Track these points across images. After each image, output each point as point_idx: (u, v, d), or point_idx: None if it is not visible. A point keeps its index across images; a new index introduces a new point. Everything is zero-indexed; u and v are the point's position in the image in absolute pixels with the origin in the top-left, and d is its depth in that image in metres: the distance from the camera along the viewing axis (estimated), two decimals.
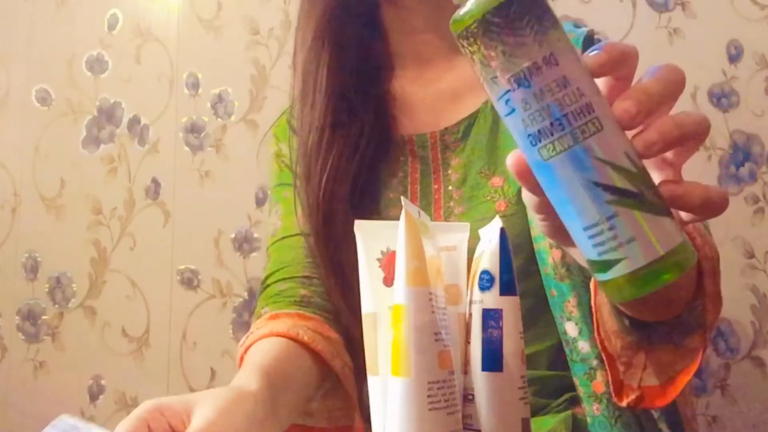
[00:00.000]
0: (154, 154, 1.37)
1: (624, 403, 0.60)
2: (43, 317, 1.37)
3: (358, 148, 0.78)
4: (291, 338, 0.69)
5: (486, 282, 0.51)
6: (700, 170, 1.18)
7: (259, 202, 1.31)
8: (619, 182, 0.38)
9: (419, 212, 0.50)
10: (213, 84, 1.35)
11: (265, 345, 0.69)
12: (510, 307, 0.51)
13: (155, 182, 1.36)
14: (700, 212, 0.41)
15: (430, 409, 0.45)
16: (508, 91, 0.39)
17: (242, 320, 1.29)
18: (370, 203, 0.78)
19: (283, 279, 0.79)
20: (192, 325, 1.31)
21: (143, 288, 1.34)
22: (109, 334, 1.34)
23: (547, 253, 0.70)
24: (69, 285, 1.37)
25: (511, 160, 0.42)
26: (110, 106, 1.39)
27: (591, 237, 0.39)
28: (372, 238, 0.53)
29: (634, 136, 0.39)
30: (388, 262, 0.52)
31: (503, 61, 0.39)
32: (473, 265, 0.53)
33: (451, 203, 0.77)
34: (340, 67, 0.80)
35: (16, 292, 1.39)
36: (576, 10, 1.24)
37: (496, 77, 0.39)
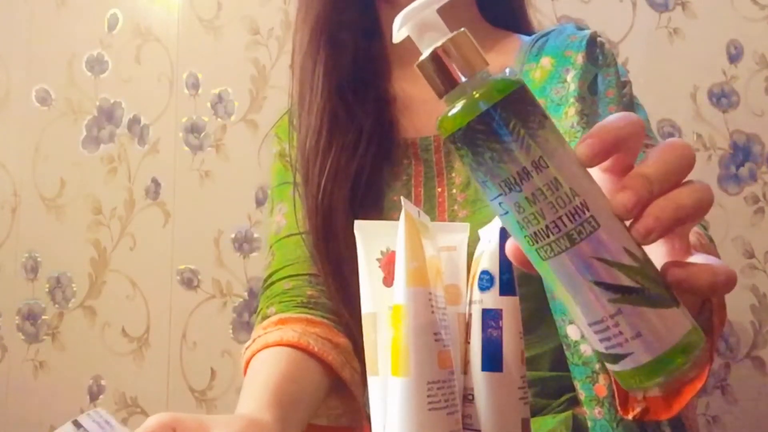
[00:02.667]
0: (154, 154, 1.37)
1: (630, 416, 0.60)
2: (43, 317, 1.37)
3: (357, 150, 0.78)
4: (301, 348, 0.69)
5: (486, 282, 0.51)
6: (700, 170, 1.18)
7: (259, 202, 1.31)
8: (621, 279, 0.37)
9: (419, 212, 0.50)
10: (213, 84, 1.35)
11: (274, 357, 0.68)
12: (510, 307, 0.51)
13: (155, 182, 1.36)
14: (707, 294, 0.39)
15: (429, 409, 0.45)
16: (500, 194, 0.38)
17: (242, 320, 1.29)
18: (373, 205, 0.78)
19: (289, 276, 0.79)
20: (192, 325, 1.31)
21: (143, 288, 1.34)
22: (109, 334, 1.34)
23: None
24: (69, 285, 1.37)
25: (508, 250, 0.42)
26: (110, 106, 1.39)
27: (596, 332, 0.38)
28: (372, 238, 0.53)
29: (631, 223, 0.38)
30: (387, 262, 0.52)
31: (492, 167, 0.38)
32: (473, 265, 0.53)
33: (455, 206, 0.77)
34: (337, 70, 0.80)
35: (16, 292, 1.39)
36: (576, 10, 1.24)
37: (486, 181, 0.39)
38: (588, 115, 0.72)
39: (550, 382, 0.74)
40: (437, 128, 0.40)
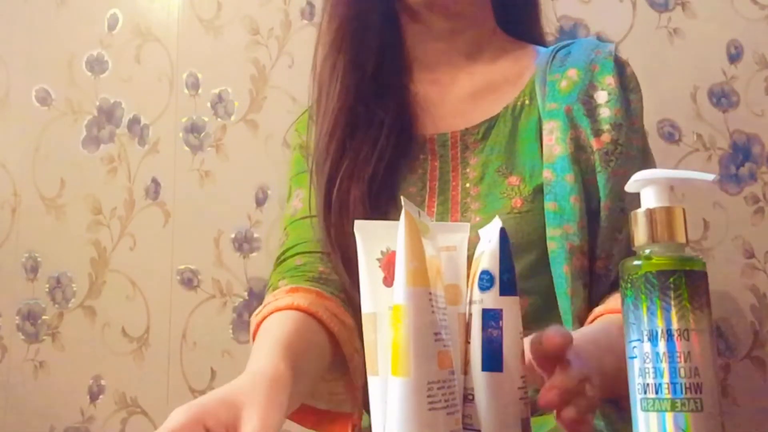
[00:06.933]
0: (154, 154, 1.37)
1: None
2: (43, 317, 1.37)
3: (377, 146, 0.81)
4: (310, 314, 0.70)
5: (486, 282, 0.51)
6: (701, 170, 1.18)
7: (259, 202, 1.31)
8: None
9: (419, 212, 0.50)
10: (213, 84, 1.35)
11: (284, 318, 0.69)
12: (510, 307, 0.51)
13: (155, 182, 1.36)
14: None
15: (429, 409, 0.45)
16: (638, 339, 0.45)
17: (242, 320, 1.29)
18: (388, 198, 0.80)
19: (302, 253, 0.81)
20: (192, 325, 1.31)
21: (143, 288, 1.34)
22: (109, 334, 1.34)
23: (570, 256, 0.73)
24: (69, 285, 1.37)
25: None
26: (110, 106, 1.39)
27: None
28: (372, 238, 0.53)
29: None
30: (388, 262, 0.52)
31: (644, 315, 0.44)
32: (473, 265, 0.53)
33: (468, 199, 0.79)
34: (356, 73, 0.83)
35: (16, 292, 1.39)
36: (576, 10, 1.24)
37: (634, 323, 0.45)
38: (622, 145, 0.76)
39: None
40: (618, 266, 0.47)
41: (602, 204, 0.74)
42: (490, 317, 0.51)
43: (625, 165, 0.75)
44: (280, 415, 0.52)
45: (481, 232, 0.55)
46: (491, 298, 0.51)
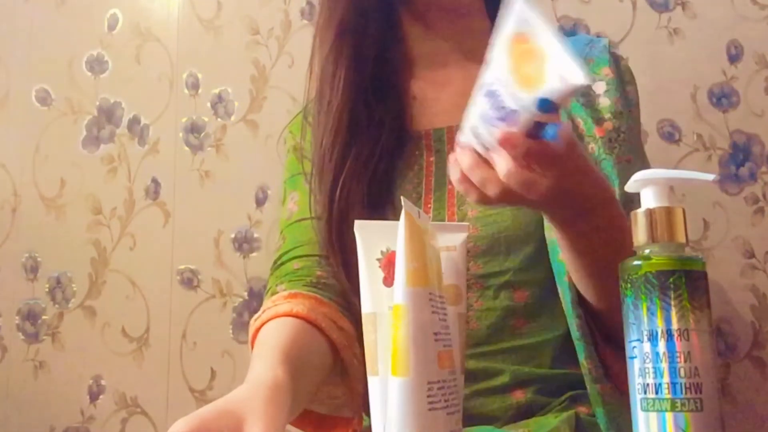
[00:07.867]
0: (154, 154, 1.37)
1: None
2: (43, 317, 1.37)
3: (377, 146, 0.81)
4: (309, 321, 0.70)
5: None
6: (700, 170, 1.18)
7: (259, 202, 1.31)
8: None
9: (419, 213, 0.50)
10: (213, 84, 1.35)
11: (283, 325, 0.69)
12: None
13: (155, 182, 1.36)
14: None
15: (429, 409, 0.45)
16: (638, 339, 0.45)
17: (242, 320, 1.29)
18: (385, 195, 0.80)
19: (299, 257, 0.81)
20: (192, 325, 1.31)
21: (143, 288, 1.34)
22: (109, 334, 1.34)
23: None
24: (69, 285, 1.37)
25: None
26: (110, 106, 1.39)
27: None
28: (372, 238, 0.53)
29: None
30: (387, 262, 0.52)
31: (644, 315, 0.45)
32: None
33: None
34: (358, 72, 0.83)
35: (16, 292, 1.39)
36: (576, 10, 1.24)
37: (634, 323, 0.45)
38: (625, 132, 0.76)
39: (551, 380, 0.74)
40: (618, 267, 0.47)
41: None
42: None
43: (629, 152, 0.75)
44: (281, 424, 0.53)
45: None
46: None
